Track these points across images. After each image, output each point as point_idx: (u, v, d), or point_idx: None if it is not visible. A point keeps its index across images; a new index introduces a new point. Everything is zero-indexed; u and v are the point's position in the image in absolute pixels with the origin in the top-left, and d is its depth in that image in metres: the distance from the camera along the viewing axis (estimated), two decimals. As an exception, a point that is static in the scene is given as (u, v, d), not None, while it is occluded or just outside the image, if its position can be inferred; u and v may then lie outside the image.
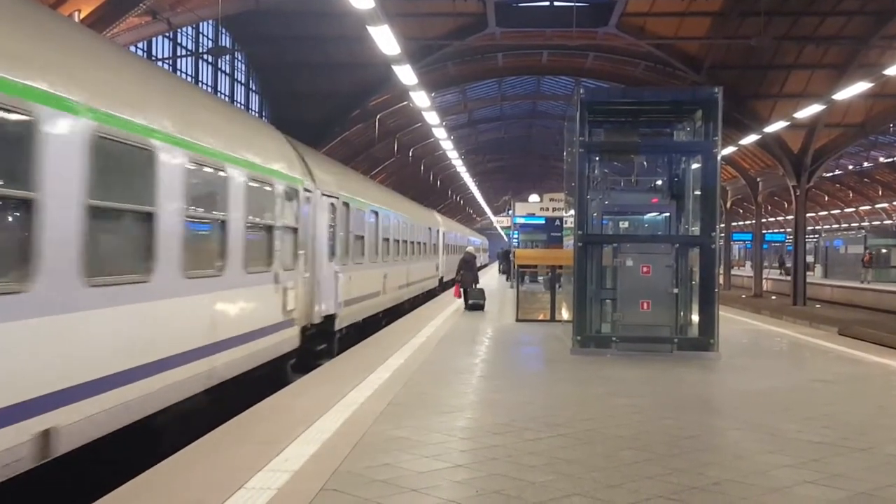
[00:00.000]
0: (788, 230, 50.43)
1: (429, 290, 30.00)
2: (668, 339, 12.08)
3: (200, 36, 29.23)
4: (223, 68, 31.72)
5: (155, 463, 5.90)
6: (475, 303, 20.27)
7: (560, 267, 17.87)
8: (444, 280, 35.84)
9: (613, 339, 12.19)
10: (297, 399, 8.35)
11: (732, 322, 17.91)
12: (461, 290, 21.18)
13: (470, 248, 23.66)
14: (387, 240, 19.81)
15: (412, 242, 25.03)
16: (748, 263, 65.51)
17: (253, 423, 7.23)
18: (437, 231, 33.85)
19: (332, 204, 13.76)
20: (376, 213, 18.24)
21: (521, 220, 36.00)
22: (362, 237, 16.46)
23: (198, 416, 8.12)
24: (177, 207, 7.28)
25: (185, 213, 7.47)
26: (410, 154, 50.97)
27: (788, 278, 49.91)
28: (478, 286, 20.95)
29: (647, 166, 14.34)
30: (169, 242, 7.07)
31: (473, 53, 31.47)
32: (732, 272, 52.62)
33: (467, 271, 21.03)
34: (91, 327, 5.90)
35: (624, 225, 14.59)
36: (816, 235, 69.42)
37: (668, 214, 13.60)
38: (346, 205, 14.93)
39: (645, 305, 12.07)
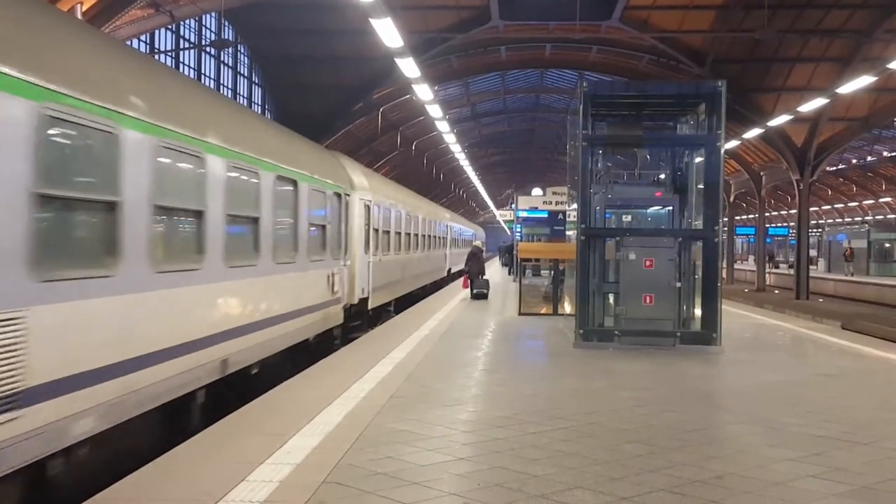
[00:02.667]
0: (792, 224, 50.37)
1: (308, 331, 12.35)
2: (671, 333, 12.07)
3: (203, 28, 29.19)
4: (226, 61, 31.69)
5: (161, 454, 5.91)
6: (479, 292, 22.19)
7: (563, 261, 17.87)
8: (372, 309, 17.27)
9: (616, 332, 12.18)
10: (300, 391, 8.36)
11: (735, 316, 17.90)
12: (469, 280, 23.25)
13: (477, 243, 26.09)
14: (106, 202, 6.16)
15: (250, 219, 9.62)
16: (751, 258, 65.51)
17: (256, 415, 7.24)
18: (355, 204, 15.57)
19: None
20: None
21: (524, 214, 35.97)
22: None
23: (203, 407, 8.14)
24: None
25: None
26: (413, 147, 50.93)
27: (776, 270, 50.71)
28: (484, 277, 22.98)
29: (650, 160, 14.33)
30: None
31: (477, 47, 31.40)
32: (735, 266, 52.67)
33: (475, 263, 23.13)
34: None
35: (627, 218, 14.59)
36: (819, 230, 69.39)
37: (671, 208, 13.57)
38: None
39: (648, 299, 12.06)
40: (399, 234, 21.43)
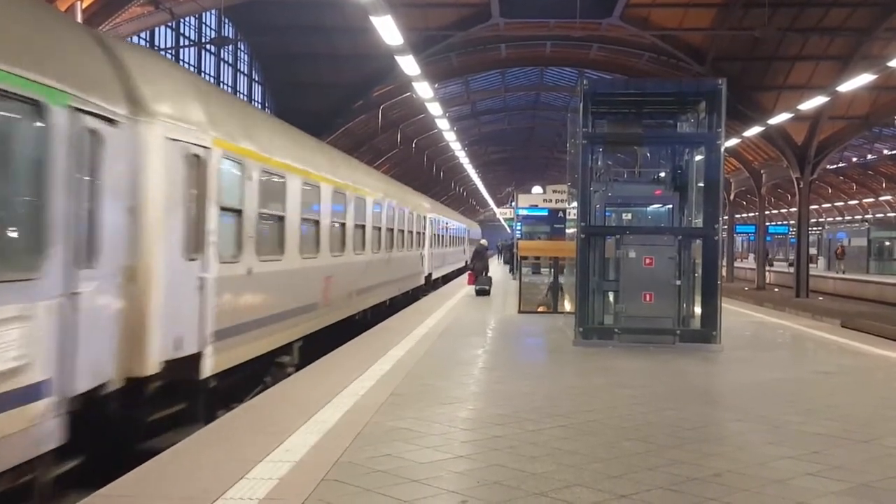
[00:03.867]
0: (792, 222, 50.41)
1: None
2: (671, 331, 12.06)
3: (203, 26, 29.18)
4: (226, 58, 31.68)
5: (159, 452, 5.92)
6: (482, 288, 22.95)
7: (562, 259, 17.86)
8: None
9: (616, 330, 12.17)
10: (299, 389, 8.36)
11: (735, 314, 17.89)
12: (474, 276, 24.69)
13: (483, 241, 27.56)
14: None
15: None
16: (751, 255, 65.55)
17: (256, 413, 7.24)
18: (151, 148, 7.01)
19: None
20: None
21: (524, 212, 35.97)
22: None
23: (204, 405, 8.13)
24: None
25: None
26: (413, 145, 50.93)
27: (774, 269, 50.89)
28: (487, 274, 24.14)
29: (650, 158, 14.33)
30: None
31: (477, 44, 31.37)
32: (735, 264, 52.69)
33: (479, 261, 24.61)
34: None
35: (627, 216, 14.57)
36: (820, 228, 69.39)
37: (671, 206, 13.56)
38: None
39: (647, 297, 12.04)
40: (317, 223, 12.97)
